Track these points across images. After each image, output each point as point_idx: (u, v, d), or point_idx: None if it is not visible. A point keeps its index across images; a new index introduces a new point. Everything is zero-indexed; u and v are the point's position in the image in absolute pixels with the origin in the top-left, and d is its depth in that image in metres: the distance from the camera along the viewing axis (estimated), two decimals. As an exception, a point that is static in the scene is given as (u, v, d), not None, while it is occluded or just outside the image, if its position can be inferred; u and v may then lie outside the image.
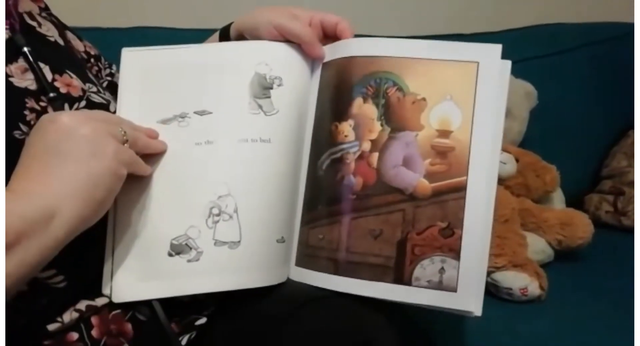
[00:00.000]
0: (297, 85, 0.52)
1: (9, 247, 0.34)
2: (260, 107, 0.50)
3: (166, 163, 0.48)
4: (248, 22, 0.55)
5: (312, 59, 0.54)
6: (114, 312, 0.46)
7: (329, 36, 0.54)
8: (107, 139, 0.41)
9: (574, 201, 1.03)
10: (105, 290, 0.46)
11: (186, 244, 0.47)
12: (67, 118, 0.40)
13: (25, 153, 0.40)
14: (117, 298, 0.46)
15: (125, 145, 0.43)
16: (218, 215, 0.47)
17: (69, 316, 0.43)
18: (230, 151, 0.49)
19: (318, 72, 0.54)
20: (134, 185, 0.46)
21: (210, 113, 0.50)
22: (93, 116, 0.43)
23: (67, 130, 0.39)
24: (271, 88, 0.51)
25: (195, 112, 0.50)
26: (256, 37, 0.54)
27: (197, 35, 0.63)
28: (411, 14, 1.17)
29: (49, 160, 0.39)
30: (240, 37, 0.57)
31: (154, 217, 0.48)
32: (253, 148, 0.49)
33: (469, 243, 0.46)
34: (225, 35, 0.58)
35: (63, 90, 0.47)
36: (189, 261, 0.47)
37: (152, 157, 0.48)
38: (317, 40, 0.52)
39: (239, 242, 0.47)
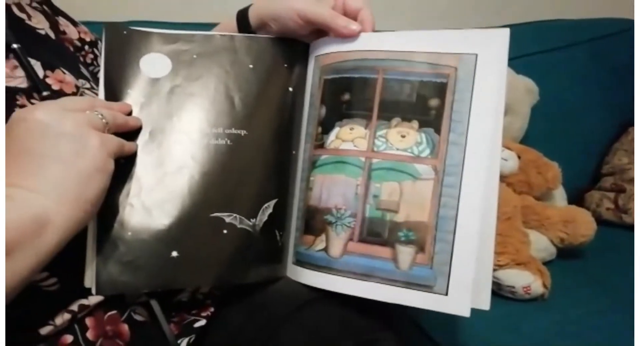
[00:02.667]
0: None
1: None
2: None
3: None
4: (269, 9, 0.52)
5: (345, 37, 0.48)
6: (109, 313, 0.44)
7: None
8: (89, 133, 0.38)
9: (575, 198, 1.03)
10: (87, 283, 0.43)
11: None
12: (41, 114, 0.37)
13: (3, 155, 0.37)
14: (102, 290, 0.42)
15: (106, 129, 0.40)
16: None
17: (61, 318, 0.42)
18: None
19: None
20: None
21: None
22: (67, 106, 0.39)
23: (41, 129, 0.36)
24: None
25: None
26: (280, 25, 0.51)
27: (191, 29, 0.61)
28: (409, 8, 1.16)
29: (29, 162, 0.36)
30: (262, 23, 0.53)
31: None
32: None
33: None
34: (242, 19, 0.54)
35: (55, 86, 0.45)
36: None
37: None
38: (345, 19, 0.48)
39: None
